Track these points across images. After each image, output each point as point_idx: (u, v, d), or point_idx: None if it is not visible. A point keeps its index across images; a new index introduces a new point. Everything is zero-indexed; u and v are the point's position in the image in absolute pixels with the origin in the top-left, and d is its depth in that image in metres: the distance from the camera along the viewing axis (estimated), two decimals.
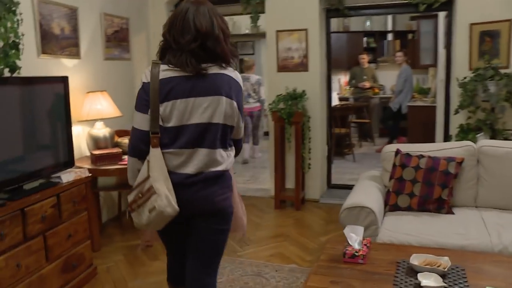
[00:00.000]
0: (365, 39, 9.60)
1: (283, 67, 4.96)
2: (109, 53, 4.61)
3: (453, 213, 3.05)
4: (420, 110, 6.75)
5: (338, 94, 9.69)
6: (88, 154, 4.07)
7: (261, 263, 3.50)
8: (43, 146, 3.09)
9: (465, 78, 4.22)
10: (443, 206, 3.04)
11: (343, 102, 7.34)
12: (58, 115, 3.17)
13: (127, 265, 3.57)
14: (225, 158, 1.95)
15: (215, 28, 1.85)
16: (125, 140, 4.09)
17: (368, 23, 9.63)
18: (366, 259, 2.31)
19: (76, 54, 4.07)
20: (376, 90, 9.09)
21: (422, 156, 3.17)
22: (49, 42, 3.70)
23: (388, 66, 9.25)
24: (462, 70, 4.40)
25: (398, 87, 7.36)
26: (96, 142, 3.97)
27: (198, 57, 1.84)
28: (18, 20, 3.02)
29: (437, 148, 3.30)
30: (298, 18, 4.82)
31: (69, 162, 3.24)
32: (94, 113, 3.92)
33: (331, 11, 4.97)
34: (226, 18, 2.03)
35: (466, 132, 4.12)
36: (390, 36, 9.50)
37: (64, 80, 3.22)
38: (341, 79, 9.91)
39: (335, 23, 9.54)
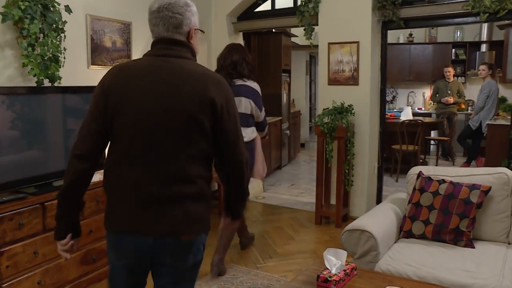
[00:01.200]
0: (454, 50, 8.96)
1: (333, 80, 4.85)
2: None
3: (473, 247, 2.75)
4: (501, 129, 6.12)
5: (419, 109, 9.20)
6: None
7: (275, 278, 3.47)
8: None
9: None
10: (460, 238, 2.76)
11: (412, 118, 6.91)
12: None
13: None
14: (250, 133, 3.58)
15: (240, 59, 3.58)
16: None
17: (458, 33, 8.98)
18: (341, 285, 2.20)
19: None
20: (462, 106, 8.46)
21: (443, 181, 2.91)
22: (100, 55, 4.05)
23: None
24: None
25: (478, 103, 6.74)
26: None
27: (231, 75, 3.54)
28: (61, 37, 3.36)
29: (465, 174, 3.00)
30: (349, 30, 4.70)
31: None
32: None
33: (387, 23, 4.76)
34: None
35: None
36: (484, 47, 8.74)
37: None
38: (425, 93, 9.36)
39: (421, 33, 9.07)
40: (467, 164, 7.07)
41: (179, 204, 1.66)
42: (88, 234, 3.29)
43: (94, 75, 3.97)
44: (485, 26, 8.63)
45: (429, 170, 3.13)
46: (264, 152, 6.85)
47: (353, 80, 4.72)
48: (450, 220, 2.78)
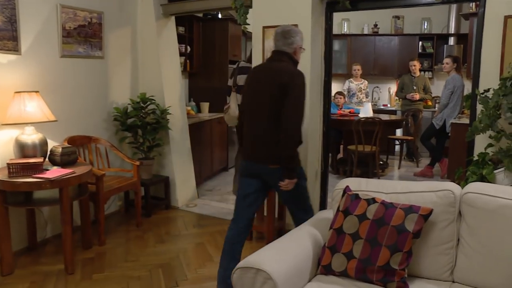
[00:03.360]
0: (421, 43, 8.34)
1: None
2: (69, 50, 4.10)
3: None
4: (465, 129, 5.45)
5: (385, 105, 8.58)
6: None
7: None
8: None
9: (487, 90, 3.10)
10: (391, 278, 2.05)
11: (367, 116, 6.23)
12: None
13: None
14: None
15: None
16: (59, 149, 3.53)
17: (426, 24, 8.35)
18: None
19: (13, 49, 3.58)
20: (429, 103, 7.84)
21: (373, 201, 2.21)
22: None
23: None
24: (489, 79, 3.29)
25: (442, 100, 6.10)
26: (22, 149, 3.45)
27: None
28: None
29: (403, 190, 2.29)
30: (287, 12, 3.97)
31: None
32: (16, 117, 3.39)
33: (332, 4, 4.04)
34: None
35: (481, 165, 3.00)
36: (452, 40, 8.14)
37: None
38: (391, 89, 8.73)
39: (386, 23, 8.43)
40: (431, 166, 6.43)
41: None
42: None
43: None
44: (453, 17, 8.05)
45: (360, 184, 2.42)
46: (206, 152, 6.17)
47: None
48: (378, 255, 2.07)
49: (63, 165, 3.53)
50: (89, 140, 4.41)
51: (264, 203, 3.75)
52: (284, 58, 2.80)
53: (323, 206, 4.33)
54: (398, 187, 2.33)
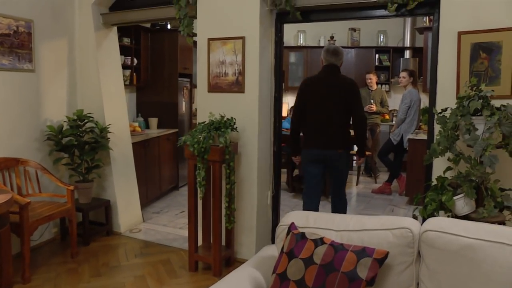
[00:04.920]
0: (377, 55, 8.26)
1: (215, 87, 3.81)
2: None
3: None
4: (422, 145, 5.32)
5: None
6: None
7: None
8: None
9: (445, 109, 2.90)
10: None
11: None
12: None
13: None
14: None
15: None
16: None
17: (382, 37, 8.29)
18: None
19: None
20: (386, 117, 7.73)
21: (321, 242, 1.91)
22: None
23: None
24: (446, 96, 3.10)
25: (399, 115, 5.96)
26: None
27: None
28: None
29: (355, 228, 2.01)
30: (233, 23, 3.69)
31: None
32: None
33: (283, 15, 3.79)
34: None
35: (440, 191, 2.77)
36: (407, 54, 8.10)
37: None
38: None
39: (343, 35, 8.31)
40: (389, 183, 6.27)
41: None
42: None
43: None
44: (408, 30, 8.01)
45: (308, 219, 2.13)
46: (153, 171, 5.78)
47: (237, 86, 3.70)
48: None
49: None
50: (16, 163, 3.95)
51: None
52: (337, 71, 3.74)
53: (275, 233, 4.03)
54: (351, 224, 2.04)
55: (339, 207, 3.84)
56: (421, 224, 1.99)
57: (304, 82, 3.82)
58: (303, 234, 1.98)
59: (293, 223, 2.07)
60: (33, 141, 4.19)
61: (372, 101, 7.18)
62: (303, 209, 3.69)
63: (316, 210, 3.75)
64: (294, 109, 3.78)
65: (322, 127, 3.65)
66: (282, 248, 2.01)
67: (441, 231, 1.85)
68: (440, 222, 1.92)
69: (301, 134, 3.87)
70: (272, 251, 2.35)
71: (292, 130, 3.82)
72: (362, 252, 1.82)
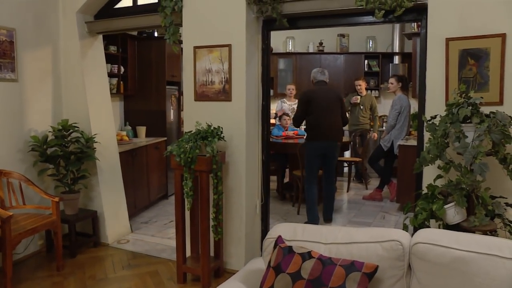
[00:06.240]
0: (366, 61, 8.25)
1: (201, 95, 3.75)
2: None
3: None
4: (413, 151, 5.27)
5: None
6: None
7: None
8: None
9: (434, 117, 2.86)
10: None
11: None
12: None
13: None
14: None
15: None
16: None
17: (371, 43, 8.29)
18: None
19: None
20: (378, 123, 7.69)
21: (309, 256, 1.86)
22: None
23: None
24: (435, 103, 3.07)
25: (389, 121, 5.94)
26: None
27: None
28: None
29: (344, 241, 1.96)
30: (219, 31, 3.64)
31: None
32: None
33: (269, 23, 3.75)
34: None
35: (431, 199, 2.73)
36: (396, 59, 8.10)
37: None
38: None
39: (332, 41, 8.30)
40: (380, 189, 6.24)
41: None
42: None
43: None
44: (396, 36, 8.02)
45: (295, 232, 2.08)
46: (142, 180, 5.70)
47: (224, 94, 3.65)
48: None
49: None
50: None
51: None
52: (326, 85, 5.17)
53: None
54: (339, 236, 1.99)
55: (329, 192, 5.22)
56: (412, 234, 1.94)
57: (306, 94, 5.13)
58: (290, 248, 1.92)
59: (280, 236, 2.01)
60: (16, 152, 4.10)
61: (362, 107, 7.16)
62: (306, 196, 5.08)
63: (316, 194, 5.06)
64: (299, 112, 5.11)
65: (328, 124, 4.96)
66: (269, 262, 1.95)
67: (432, 243, 1.81)
68: (431, 234, 1.87)
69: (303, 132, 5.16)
70: (260, 263, 2.29)
71: (296, 121, 5.29)
72: (351, 266, 1.77)
